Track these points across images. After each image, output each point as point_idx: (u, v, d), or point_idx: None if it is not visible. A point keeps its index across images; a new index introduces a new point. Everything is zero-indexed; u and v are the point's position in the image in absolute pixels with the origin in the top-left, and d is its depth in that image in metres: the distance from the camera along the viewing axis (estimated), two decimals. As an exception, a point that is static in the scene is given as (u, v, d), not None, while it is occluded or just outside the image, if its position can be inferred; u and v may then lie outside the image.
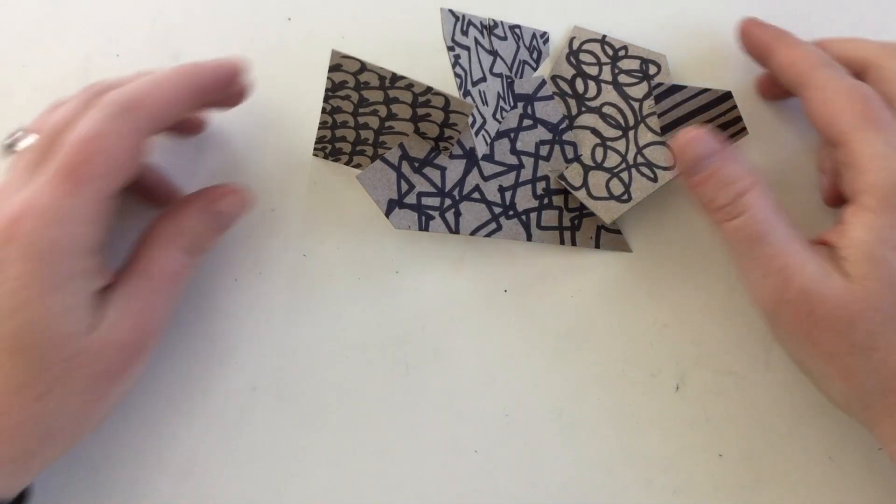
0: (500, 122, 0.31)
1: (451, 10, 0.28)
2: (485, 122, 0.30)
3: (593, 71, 0.32)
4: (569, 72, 0.32)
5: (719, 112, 0.30)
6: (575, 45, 0.33)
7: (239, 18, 0.34)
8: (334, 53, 0.27)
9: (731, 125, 0.30)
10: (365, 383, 0.32)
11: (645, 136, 0.31)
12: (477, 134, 0.29)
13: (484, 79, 0.30)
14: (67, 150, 0.25)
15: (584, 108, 0.32)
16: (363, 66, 0.27)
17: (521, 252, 0.33)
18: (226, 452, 0.31)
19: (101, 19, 0.34)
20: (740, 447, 0.31)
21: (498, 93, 0.31)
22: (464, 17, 0.29)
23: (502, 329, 0.32)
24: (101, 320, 0.26)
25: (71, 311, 0.25)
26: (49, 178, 0.25)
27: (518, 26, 0.32)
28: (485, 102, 0.30)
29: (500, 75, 0.31)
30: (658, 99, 0.31)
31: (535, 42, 0.32)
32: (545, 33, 0.33)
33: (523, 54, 0.32)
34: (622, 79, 0.32)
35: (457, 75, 0.28)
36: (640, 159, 0.31)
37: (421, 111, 0.29)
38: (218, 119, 0.33)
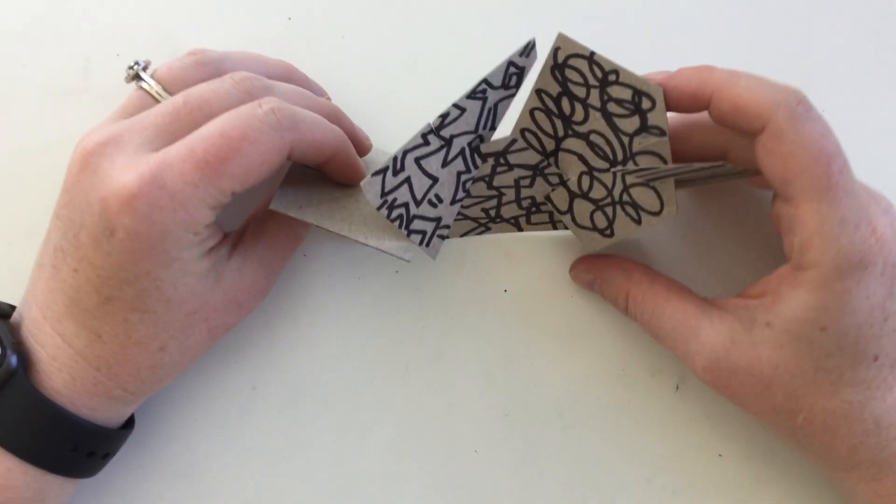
0: (464, 195, 0.30)
1: (375, 174, 0.25)
2: (439, 221, 0.29)
3: (580, 92, 0.28)
4: (554, 88, 0.28)
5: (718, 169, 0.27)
6: (560, 58, 0.27)
7: (239, 18, 0.34)
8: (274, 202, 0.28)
9: (741, 173, 0.27)
10: (365, 383, 0.32)
11: (633, 176, 0.28)
12: (428, 243, 0.29)
13: (435, 180, 0.28)
14: (216, 138, 0.24)
15: (570, 132, 0.29)
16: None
17: (520, 252, 0.33)
18: (226, 452, 0.31)
19: (101, 19, 0.34)
20: (740, 447, 0.31)
21: (458, 172, 0.29)
22: (395, 159, 0.26)
23: (502, 329, 0.32)
24: (221, 279, 0.27)
25: (188, 275, 0.26)
26: (183, 156, 0.24)
27: (483, 82, 0.27)
28: (437, 202, 0.29)
29: (460, 152, 0.29)
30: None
31: (511, 70, 0.28)
32: (529, 45, 0.28)
33: (493, 100, 0.28)
34: (612, 108, 0.27)
35: (394, 220, 0.27)
36: (625, 198, 0.29)
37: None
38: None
